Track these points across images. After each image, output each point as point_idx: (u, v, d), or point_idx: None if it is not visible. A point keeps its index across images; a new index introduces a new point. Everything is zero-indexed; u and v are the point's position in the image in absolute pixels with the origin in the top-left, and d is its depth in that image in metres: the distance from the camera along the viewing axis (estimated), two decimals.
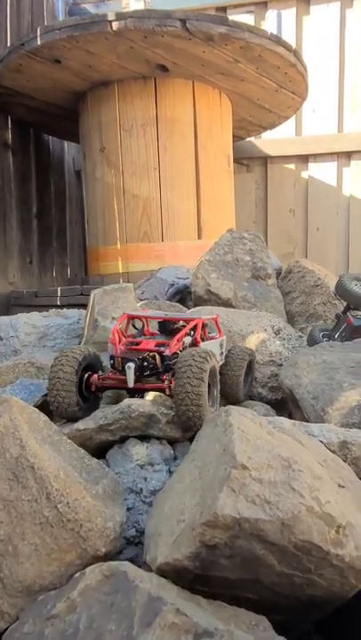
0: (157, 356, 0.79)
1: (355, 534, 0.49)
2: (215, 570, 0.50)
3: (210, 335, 0.95)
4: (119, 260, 2.20)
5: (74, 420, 0.76)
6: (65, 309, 1.38)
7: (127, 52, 1.84)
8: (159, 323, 0.92)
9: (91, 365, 0.82)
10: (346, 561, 0.48)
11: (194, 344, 0.86)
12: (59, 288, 2.10)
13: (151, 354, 0.79)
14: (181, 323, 0.90)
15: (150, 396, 0.82)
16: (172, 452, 0.73)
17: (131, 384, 0.76)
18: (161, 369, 0.79)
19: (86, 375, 0.80)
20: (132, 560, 0.63)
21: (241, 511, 0.47)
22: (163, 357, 0.79)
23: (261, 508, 0.47)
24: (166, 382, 0.77)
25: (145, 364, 0.78)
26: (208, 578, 0.51)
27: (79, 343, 1.23)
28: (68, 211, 2.87)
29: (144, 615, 0.41)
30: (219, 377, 0.83)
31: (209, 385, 0.74)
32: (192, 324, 0.87)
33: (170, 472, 0.71)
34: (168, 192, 2.08)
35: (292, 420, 0.72)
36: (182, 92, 2.07)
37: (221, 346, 0.95)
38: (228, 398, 0.95)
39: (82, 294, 1.97)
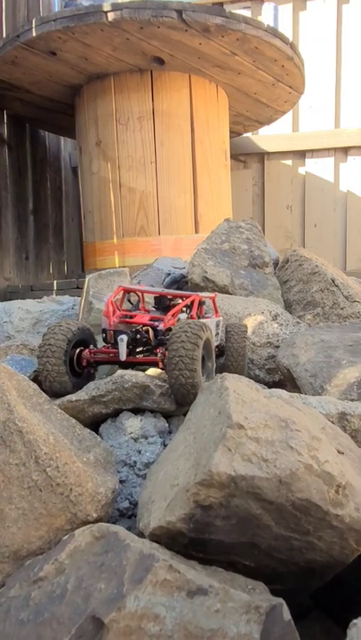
0: (151, 330, 0.77)
1: (355, 495, 0.47)
2: (210, 533, 0.48)
3: (206, 315, 0.93)
4: (116, 254, 2.19)
5: (63, 393, 0.74)
6: (59, 296, 1.37)
7: (123, 43, 1.84)
8: (155, 298, 0.90)
9: (83, 341, 0.80)
10: (346, 522, 0.46)
11: (189, 318, 0.84)
12: (55, 281, 2.08)
13: (145, 328, 0.77)
14: (178, 300, 0.88)
15: (150, 371, 0.79)
16: (166, 425, 0.71)
17: (123, 357, 0.74)
18: (154, 343, 0.77)
19: (78, 350, 0.78)
20: None
21: (237, 469, 0.45)
22: (156, 332, 0.77)
23: (258, 465, 0.45)
24: (160, 355, 0.74)
25: (138, 336, 0.76)
26: (203, 542, 0.49)
27: None
28: (65, 207, 2.85)
29: (135, 572, 0.39)
30: (214, 352, 0.81)
31: (203, 357, 0.72)
32: (188, 300, 0.85)
33: (164, 445, 0.69)
34: (165, 186, 2.08)
35: (290, 393, 0.70)
36: (179, 85, 2.07)
37: (218, 326, 0.93)
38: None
39: (78, 287, 1.96)
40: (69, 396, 0.70)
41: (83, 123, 2.18)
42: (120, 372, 0.71)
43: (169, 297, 0.87)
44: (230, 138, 2.37)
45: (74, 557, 0.43)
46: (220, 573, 0.47)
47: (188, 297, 0.86)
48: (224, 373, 0.61)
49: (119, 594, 0.38)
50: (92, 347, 0.80)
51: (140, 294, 0.90)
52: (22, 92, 2.17)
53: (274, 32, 1.88)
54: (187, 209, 2.14)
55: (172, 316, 0.80)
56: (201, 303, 0.88)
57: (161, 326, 0.77)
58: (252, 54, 1.93)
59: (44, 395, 0.62)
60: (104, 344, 0.78)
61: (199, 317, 0.86)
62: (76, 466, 0.52)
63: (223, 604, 0.39)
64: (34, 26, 1.80)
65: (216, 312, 0.95)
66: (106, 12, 1.74)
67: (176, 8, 1.74)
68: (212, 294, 0.95)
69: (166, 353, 0.71)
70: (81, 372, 0.79)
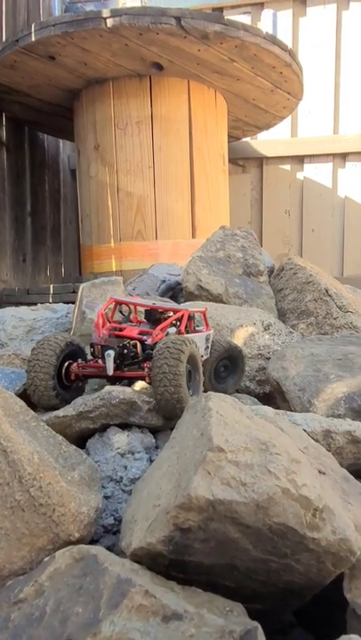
0: (139, 344, 0.78)
1: (332, 518, 0.48)
2: (190, 554, 0.49)
3: (197, 328, 0.94)
4: (113, 258, 2.20)
5: (52, 408, 0.74)
6: (54, 304, 1.37)
7: (122, 49, 1.85)
8: (146, 311, 0.90)
9: (73, 354, 0.80)
10: (322, 545, 0.47)
11: (178, 333, 0.84)
12: (51, 285, 2.09)
13: (132, 342, 0.78)
14: (170, 313, 0.89)
15: (137, 386, 0.80)
16: (153, 440, 0.72)
17: (110, 372, 0.75)
18: (141, 357, 0.77)
19: (67, 364, 0.79)
20: (109, 548, 0.61)
21: (215, 493, 0.46)
22: (144, 346, 0.78)
23: (236, 490, 0.46)
24: (146, 370, 0.75)
25: (125, 351, 0.77)
26: (183, 563, 0.50)
27: None
28: (63, 210, 2.86)
29: (111, 597, 0.40)
30: (201, 367, 0.81)
31: (190, 372, 0.73)
32: (178, 315, 0.85)
33: (151, 461, 0.69)
34: (162, 191, 2.08)
35: (276, 410, 0.71)
36: (177, 90, 2.07)
37: (207, 339, 0.93)
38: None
39: (74, 292, 1.96)
40: (57, 411, 0.71)
41: (81, 127, 2.18)
42: (108, 388, 0.71)
43: (159, 310, 0.88)
44: (229, 142, 2.37)
45: (53, 579, 0.44)
46: (198, 595, 0.47)
47: (177, 311, 0.86)
48: (209, 392, 0.62)
49: (95, 618, 0.39)
50: (80, 360, 0.80)
51: (131, 307, 0.91)
52: (21, 96, 2.17)
53: (272, 39, 1.88)
54: (184, 214, 2.15)
55: (161, 330, 0.81)
56: (190, 317, 0.89)
57: (149, 341, 0.78)
58: (250, 61, 1.93)
59: (31, 412, 0.63)
60: (91, 357, 0.79)
61: (188, 332, 0.87)
62: (60, 486, 0.52)
63: (198, 628, 0.40)
64: (33, 30, 1.81)
65: (207, 325, 0.96)
66: (105, 18, 1.74)
67: (175, 15, 1.75)
68: (202, 309, 0.96)
69: (151, 376, 0.72)
70: (70, 386, 0.80)
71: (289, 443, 0.55)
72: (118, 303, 0.90)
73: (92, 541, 0.61)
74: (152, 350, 0.77)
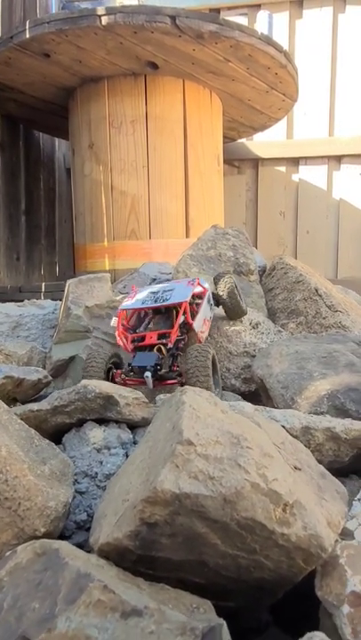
0: (163, 348, 0.91)
1: (304, 514, 0.47)
2: (157, 550, 0.47)
3: (197, 302, 1.02)
4: (106, 257, 2.19)
5: None
6: (41, 300, 1.36)
7: (117, 47, 1.84)
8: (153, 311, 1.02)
9: (116, 363, 0.95)
10: (292, 540, 0.46)
11: (186, 323, 0.95)
12: (43, 283, 2.08)
13: (157, 347, 0.91)
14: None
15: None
16: (130, 436, 0.71)
17: (151, 387, 0.87)
18: (168, 358, 0.90)
19: (112, 372, 0.93)
20: (80, 545, 0.60)
21: (182, 486, 0.45)
22: (167, 349, 0.91)
23: (204, 483, 0.45)
24: (178, 379, 0.88)
25: (158, 367, 0.88)
26: (151, 559, 0.48)
27: (54, 333, 1.21)
28: (58, 208, 2.85)
29: (69, 592, 0.39)
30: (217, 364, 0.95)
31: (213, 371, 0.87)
32: (182, 310, 0.95)
33: (127, 456, 0.68)
34: (156, 190, 2.07)
35: (255, 406, 0.70)
36: (172, 90, 2.07)
37: (209, 301, 1.06)
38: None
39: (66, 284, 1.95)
40: (31, 405, 0.69)
41: (76, 125, 2.18)
42: (84, 381, 0.70)
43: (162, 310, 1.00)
44: (225, 143, 2.37)
45: (13, 575, 0.42)
46: (165, 591, 0.46)
47: (180, 305, 0.96)
48: (185, 387, 0.61)
49: (51, 614, 0.38)
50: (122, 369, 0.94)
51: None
52: (16, 93, 2.16)
53: (267, 40, 1.88)
54: (178, 213, 2.14)
55: (175, 330, 0.92)
56: (193, 303, 1.00)
57: (170, 345, 0.91)
58: (245, 61, 1.93)
59: (4, 405, 0.61)
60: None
61: (193, 315, 0.98)
62: (27, 479, 0.51)
63: (158, 625, 0.38)
64: (27, 27, 1.80)
65: (204, 289, 1.06)
66: (100, 16, 1.74)
67: (170, 14, 1.74)
68: (194, 284, 1.03)
69: (184, 375, 0.86)
70: None
71: (263, 438, 0.54)
72: (125, 311, 1.00)
73: (64, 537, 0.60)
74: (175, 350, 0.91)
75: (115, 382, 0.90)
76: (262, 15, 2.04)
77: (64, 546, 0.44)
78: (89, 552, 0.56)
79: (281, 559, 0.47)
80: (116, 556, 0.49)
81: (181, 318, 0.94)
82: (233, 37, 1.80)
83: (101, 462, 0.66)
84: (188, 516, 0.45)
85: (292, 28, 2.51)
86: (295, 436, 0.67)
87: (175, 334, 0.91)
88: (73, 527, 0.61)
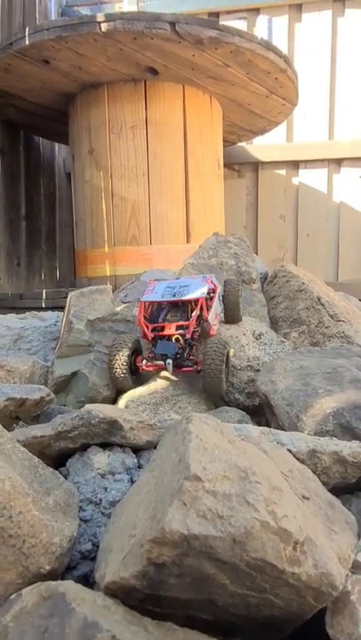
0: (181, 338, 0.99)
1: (314, 551, 0.46)
2: (165, 590, 0.47)
3: (210, 298, 1.10)
4: (107, 263, 2.18)
5: (126, 389, 1.03)
6: (42, 312, 1.35)
7: (117, 54, 1.83)
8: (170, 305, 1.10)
9: (137, 349, 1.05)
10: (303, 579, 0.45)
11: (200, 316, 1.04)
12: (44, 290, 2.07)
13: (175, 337, 1.00)
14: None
15: (122, 403, 0.90)
16: (135, 460, 0.70)
17: (171, 372, 0.99)
18: (186, 347, 0.99)
19: (133, 357, 1.04)
20: (85, 576, 0.59)
21: (190, 527, 0.44)
22: (185, 340, 0.99)
23: (213, 523, 0.44)
24: (194, 367, 0.99)
25: (178, 355, 0.97)
26: (159, 598, 0.48)
27: (56, 346, 1.20)
28: (58, 213, 2.84)
29: None
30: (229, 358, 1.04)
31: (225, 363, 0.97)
32: (198, 305, 1.04)
33: (132, 482, 0.67)
34: (157, 195, 2.06)
35: (261, 428, 0.69)
36: (172, 95, 2.06)
37: (220, 296, 1.16)
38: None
39: (67, 297, 1.94)
40: (34, 431, 0.68)
41: (76, 131, 2.16)
42: (88, 406, 0.69)
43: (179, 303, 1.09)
44: (225, 147, 2.36)
45: (19, 620, 0.41)
46: (173, 632, 0.45)
47: (196, 301, 1.05)
48: (191, 414, 0.60)
49: None
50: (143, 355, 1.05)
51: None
52: (16, 99, 2.15)
53: (267, 45, 1.87)
54: (179, 218, 2.13)
55: (192, 323, 1.01)
56: (207, 299, 1.08)
57: (188, 335, 1.00)
58: (245, 66, 1.92)
59: (7, 434, 0.60)
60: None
61: (208, 308, 1.06)
62: (31, 515, 0.50)
63: None
64: (27, 34, 1.79)
65: (215, 286, 1.14)
66: (99, 23, 1.73)
67: (169, 20, 1.73)
68: (208, 284, 1.11)
69: (199, 362, 0.97)
70: (138, 372, 1.06)
71: (271, 468, 0.53)
72: (145, 302, 1.08)
73: (69, 568, 0.59)
74: (192, 341, 1.01)
75: (136, 366, 1.03)
76: (262, 20, 2.03)
77: (70, 589, 0.43)
78: (94, 583, 0.55)
79: (291, 597, 0.46)
80: (123, 594, 0.48)
81: (198, 312, 1.03)
82: (233, 43, 1.79)
83: (106, 489, 0.65)
84: (196, 557, 0.44)
85: (292, 31, 2.49)
86: (302, 460, 0.66)
87: (192, 326, 1.01)
88: (78, 557, 0.60)
